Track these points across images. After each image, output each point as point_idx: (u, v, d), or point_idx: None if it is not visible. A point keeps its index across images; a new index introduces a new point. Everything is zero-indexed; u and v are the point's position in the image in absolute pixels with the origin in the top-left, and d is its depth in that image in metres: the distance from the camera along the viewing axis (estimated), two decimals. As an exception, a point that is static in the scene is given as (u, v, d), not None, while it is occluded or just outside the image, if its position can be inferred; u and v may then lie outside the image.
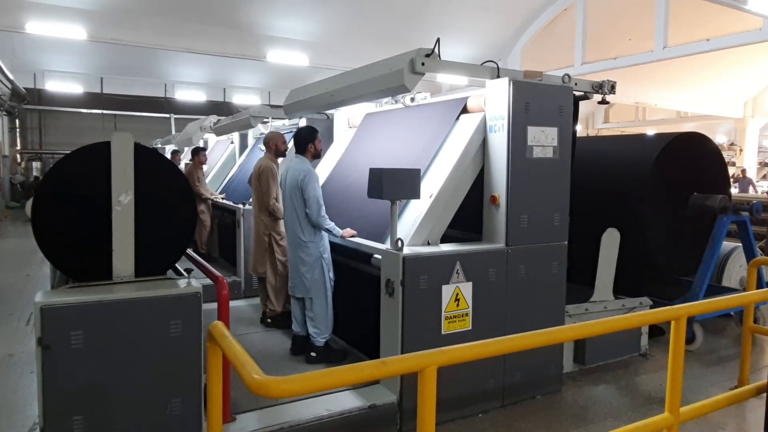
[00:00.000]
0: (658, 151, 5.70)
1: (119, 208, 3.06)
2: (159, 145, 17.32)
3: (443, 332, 3.96)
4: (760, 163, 23.74)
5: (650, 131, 16.89)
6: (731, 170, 6.06)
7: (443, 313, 3.95)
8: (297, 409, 3.71)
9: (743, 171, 19.39)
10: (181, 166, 11.58)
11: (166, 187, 3.25)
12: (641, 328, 5.36)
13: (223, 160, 10.95)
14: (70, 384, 2.77)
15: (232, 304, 5.36)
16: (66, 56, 18.42)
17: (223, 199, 8.55)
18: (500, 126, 4.21)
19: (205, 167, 9.22)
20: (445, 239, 4.30)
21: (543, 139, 4.29)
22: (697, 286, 5.58)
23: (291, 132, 7.20)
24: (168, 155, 14.19)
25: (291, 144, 5.70)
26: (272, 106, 8.53)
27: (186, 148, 13.95)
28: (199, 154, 8.93)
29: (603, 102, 4.97)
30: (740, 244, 6.09)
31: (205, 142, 13.14)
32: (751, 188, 18.48)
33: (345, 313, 4.95)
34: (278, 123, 8.24)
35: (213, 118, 11.18)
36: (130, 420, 2.90)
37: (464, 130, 4.49)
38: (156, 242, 3.19)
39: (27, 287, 8.09)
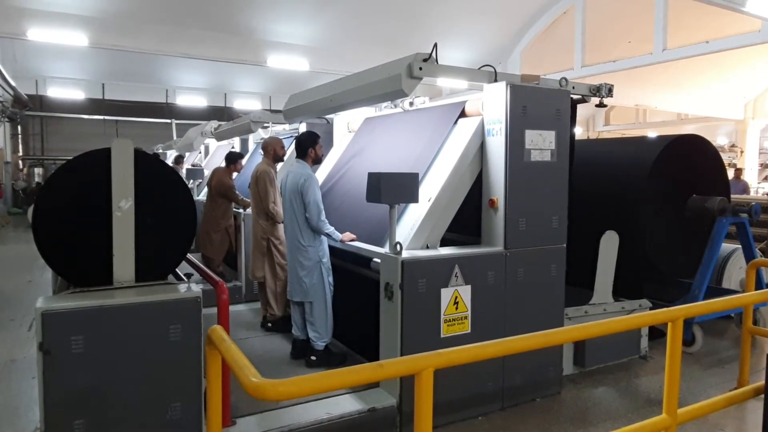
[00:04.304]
0: (656, 153, 5.71)
1: (119, 214, 3.08)
2: (160, 151, 17.38)
3: (442, 335, 3.97)
4: (761, 165, 23.70)
5: (651, 133, 16.88)
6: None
7: (442, 317, 3.97)
8: (297, 413, 3.73)
9: (738, 171, 16.30)
10: (182, 172, 11.57)
11: (167, 193, 3.27)
12: (641, 330, 5.36)
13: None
14: (70, 388, 2.79)
15: (233, 308, 5.41)
16: (67, 62, 18.50)
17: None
18: (498, 130, 4.23)
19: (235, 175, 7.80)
20: (444, 242, 4.32)
21: (541, 143, 4.31)
22: (697, 288, 5.59)
23: (291, 137, 7.25)
24: (169, 161, 14.27)
25: (291, 148, 5.74)
26: (273, 111, 8.54)
27: (187, 153, 14.00)
28: (237, 162, 7.61)
29: (601, 105, 4.99)
30: (740, 246, 6.10)
31: (206, 147, 13.19)
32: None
33: (345, 317, 4.97)
34: (278, 128, 8.26)
35: (214, 123, 11.22)
36: (130, 424, 2.92)
37: (462, 133, 4.51)
38: (156, 247, 3.21)
39: (28, 293, 8.13)
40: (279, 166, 5.95)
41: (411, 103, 5.35)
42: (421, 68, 3.93)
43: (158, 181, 3.24)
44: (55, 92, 20.67)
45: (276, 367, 4.74)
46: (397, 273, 3.80)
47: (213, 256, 7.45)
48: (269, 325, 5.76)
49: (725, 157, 18.27)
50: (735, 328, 6.17)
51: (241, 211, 7.22)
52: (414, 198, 3.93)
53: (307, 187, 4.58)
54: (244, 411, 3.71)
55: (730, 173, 8.55)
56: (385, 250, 4.02)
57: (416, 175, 4.00)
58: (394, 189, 3.80)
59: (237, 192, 7.44)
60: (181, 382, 3.02)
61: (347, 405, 3.86)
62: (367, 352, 4.57)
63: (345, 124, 6.62)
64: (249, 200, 7.23)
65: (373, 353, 4.22)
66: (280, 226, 5.50)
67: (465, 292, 4.05)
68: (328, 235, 4.63)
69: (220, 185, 7.36)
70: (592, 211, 5.41)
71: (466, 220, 4.49)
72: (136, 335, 2.91)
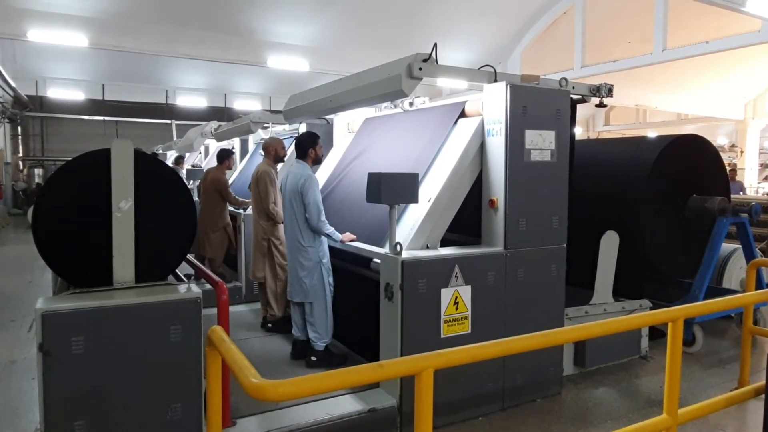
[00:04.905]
0: (656, 153, 5.71)
1: (119, 215, 3.08)
2: (160, 151, 17.38)
3: (443, 336, 3.97)
4: (761, 165, 23.70)
5: (651, 133, 16.88)
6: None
7: (442, 317, 3.97)
8: (297, 413, 3.73)
9: (732, 172, 14.73)
10: (182, 172, 11.57)
11: (166, 193, 3.27)
12: (641, 330, 5.36)
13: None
14: (70, 389, 2.78)
15: (234, 309, 5.40)
16: (68, 63, 18.49)
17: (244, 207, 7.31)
18: (498, 130, 4.23)
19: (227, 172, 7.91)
20: (444, 243, 4.32)
21: (541, 143, 4.31)
22: (697, 288, 5.59)
23: (291, 137, 7.25)
24: (169, 161, 14.27)
25: (291, 149, 5.75)
26: (273, 112, 8.54)
27: (187, 153, 14.00)
28: (230, 157, 7.77)
29: (601, 105, 4.99)
30: (740, 246, 6.09)
31: (206, 148, 13.19)
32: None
33: (345, 318, 4.97)
34: (278, 128, 8.27)
35: (214, 124, 11.23)
36: (130, 425, 2.92)
37: (462, 134, 4.51)
38: (156, 248, 3.21)
39: (29, 294, 8.12)
40: (280, 166, 5.95)
41: (411, 104, 5.35)
42: (420, 68, 3.93)
43: (158, 182, 3.23)
44: (55, 93, 20.67)
45: (276, 367, 4.74)
46: (397, 273, 3.80)
47: (213, 255, 7.45)
48: (269, 325, 5.76)
49: (725, 157, 18.25)
50: (735, 328, 6.16)
51: (241, 211, 7.22)
52: (414, 198, 3.93)
53: (307, 187, 4.58)
54: (245, 412, 3.70)
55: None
56: (385, 250, 4.02)
57: (416, 175, 4.00)
58: (394, 189, 3.80)
59: (230, 190, 7.48)
60: (181, 383, 3.02)
61: (347, 405, 3.86)
62: (368, 353, 4.56)
63: (345, 124, 6.62)
64: (241, 199, 7.38)
65: (373, 354, 4.22)
66: (281, 227, 5.50)
67: (465, 292, 4.05)
68: (328, 236, 4.62)
69: (217, 183, 7.37)
70: (593, 211, 5.41)
71: (466, 220, 4.48)
72: (136, 336, 2.91)
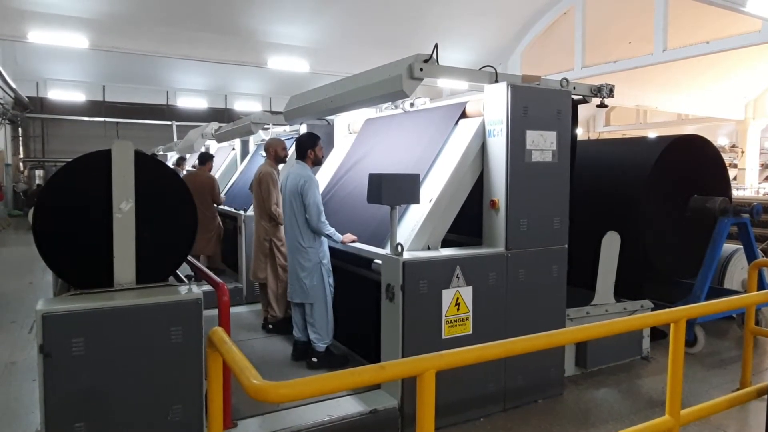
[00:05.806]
0: (657, 153, 5.71)
1: (120, 216, 3.08)
2: (161, 152, 17.37)
3: (444, 336, 3.96)
4: (762, 165, 23.69)
5: (651, 134, 16.89)
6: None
7: (444, 318, 3.96)
8: (298, 415, 3.73)
9: None
10: (183, 173, 11.56)
11: (167, 194, 3.27)
12: (642, 331, 5.35)
13: (224, 166, 10.98)
14: (71, 391, 2.78)
15: (234, 310, 5.40)
16: (68, 65, 18.53)
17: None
18: (499, 130, 4.22)
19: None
20: (445, 243, 4.31)
21: (542, 143, 4.31)
22: (698, 289, 5.57)
23: (292, 138, 7.25)
24: (170, 162, 14.26)
25: (292, 150, 5.75)
26: (273, 113, 8.54)
27: (188, 155, 13.99)
28: (211, 159, 8.25)
29: (602, 105, 4.98)
30: (742, 246, 6.08)
31: (207, 149, 13.17)
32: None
33: (346, 319, 4.96)
34: (279, 129, 8.27)
35: (214, 125, 11.21)
36: (131, 426, 2.91)
37: (463, 134, 4.51)
38: (157, 249, 3.20)
39: (29, 295, 8.12)
40: (281, 167, 5.94)
41: (412, 104, 5.34)
42: (421, 69, 3.92)
43: (159, 183, 3.23)
44: (55, 94, 20.70)
45: (277, 368, 4.73)
46: (399, 274, 3.79)
47: (210, 253, 7.53)
48: (270, 326, 5.75)
49: (726, 158, 18.25)
50: (737, 329, 6.15)
51: (242, 212, 7.23)
52: (415, 199, 3.93)
53: (307, 188, 4.58)
54: (245, 413, 3.70)
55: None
56: (387, 251, 4.01)
57: (417, 176, 3.99)
58: (395, 190, 3.79)
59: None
60: (182, 385, 3.01)
61: (348, 407, 3.85)
62: (368, 354, 4.56)
63: (346, 125, 6.62)
64: (221, 197, 7.84)
65: (374, 355, 4.21)
66: (282, 228, 5.49)
67: (466, 293, 4.04)
68: (328, 236, 4.62)
69: (210, 183, 7.53)
70: (594, 212, 5.41)
71: (467, 221, 4.48)
72: (136, 337, 2.90)
